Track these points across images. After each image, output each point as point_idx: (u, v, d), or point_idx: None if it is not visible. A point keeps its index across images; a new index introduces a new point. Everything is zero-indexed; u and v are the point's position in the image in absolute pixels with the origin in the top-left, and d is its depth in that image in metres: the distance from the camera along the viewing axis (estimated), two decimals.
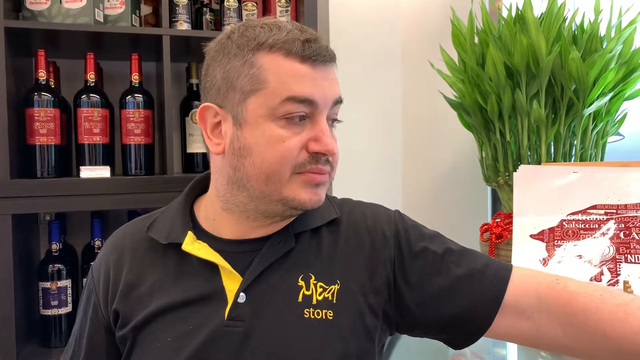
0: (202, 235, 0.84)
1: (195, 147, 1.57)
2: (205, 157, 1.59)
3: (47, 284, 1.39)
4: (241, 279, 0.79)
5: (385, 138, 1.83)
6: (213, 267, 0.80)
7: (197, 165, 1.58)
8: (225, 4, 1.50)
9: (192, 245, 0.81)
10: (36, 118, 1.33)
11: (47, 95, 1.35)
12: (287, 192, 0.77)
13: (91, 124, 1.37)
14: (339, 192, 0.97)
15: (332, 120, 0.81)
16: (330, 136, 0.77)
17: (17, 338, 1.28)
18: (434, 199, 1.79)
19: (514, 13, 1.29)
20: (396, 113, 1.83)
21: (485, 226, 1.32)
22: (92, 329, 0.87)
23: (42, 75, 1.35)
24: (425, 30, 1.79)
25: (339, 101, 0.80)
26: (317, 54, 0.75)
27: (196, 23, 1.53)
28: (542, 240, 1.15)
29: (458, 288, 0.81)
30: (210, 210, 0.85)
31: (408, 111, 1.83)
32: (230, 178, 0.79)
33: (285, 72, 0.75)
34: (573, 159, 1.30)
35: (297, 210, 0.80)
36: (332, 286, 0.80)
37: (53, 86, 1.42)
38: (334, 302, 0.79)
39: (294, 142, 0.75)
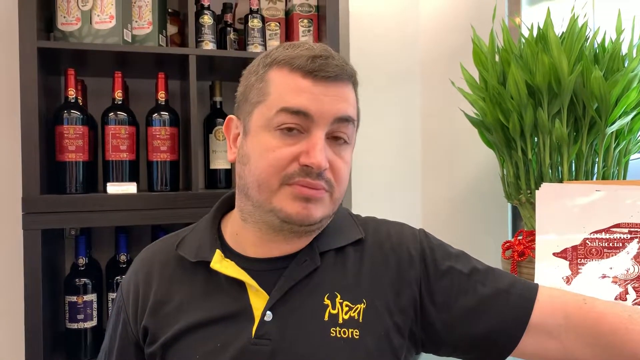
0: (229, 253, 0.85)
1: (218, 163, 1.60)
2: (227, 173, 1.62)
3: (74, 298, 1.41)
4: (268, 297, 0.80)
5: (405, 155, 1.84)
6: (240, 285, 0.82)
7: (220, 181, 1.60)
8: (250, 24, 1.53)
9: (221, 264, 0.82)
10: (65, 135, 1.37)
11: (76, 113, 1.38)
12: (276, 203, 0.77)
13: (118, 141, 1.41)
14: (357, 210, 0.98)
15: (336, 138, 0.79)
16: (320, 150, 0.75)
17: (44, 351, 1.31)
18: (454, 216, 1.80)
19: (535, 32, 1.30)
20: (415, 130, 1.84)
21: (507, 244, 1.32)
22: (122, 345, 0.88)
23: (71, 93, 1.39)
24: (444, 49, 1.81)
25: (344, 119, 0.78)
26: (321, 70, 0.76)
27: (220, 43, 1.56)
28: (565, 258, 1.14)
29: (484, 308, 0.81)
30: (235, 225, 0.87)
31: (427, 128, 1.84)
32: (239, 186, 0.83)
33: (285, 85, 0.77)
34: (595, 177, 1.30)
35: (288, 224, 0.78)
36: (358, 305, 0.80)
37: (81, 104, 1.46)
38: (360, 321, 0.79)
39: (284, 153, 0.76)
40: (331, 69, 0.77)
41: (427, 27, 1.85)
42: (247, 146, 0.80)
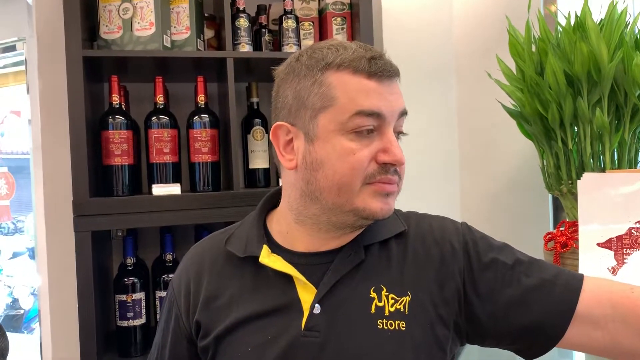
0: (276, 248, 0.88)
1: (257, 163, 1.62)
2: (266, 172, 1.64)
3: (123, 297, 1.46)
4: (315, 290, 0.82)
5: (442, 149, 1.84)
6: (288, 279, 0.84)
7: (259, 180, 1.63)
8: (284, 25, 1.56)
9: (268, 258, 0.85)
10: (111, 140, 1.42)
11: (120, 118, 1.43)
12: (359, 203, 0.80)
13: (162, 144, 1.45)
14: (397, 205, 0.99)
15: (398, 133, 0.84)
16: (398, 147, 0.80)
17: (97, 348, 1.36)
18: (494, 209, 1.79)
19: (572, 21, 1.28)
20: (452, 123, 1.84)
21: (550, 235, 1.31)
22: (175, 340, 0.92)
23: (115, 99, 1.44)
24: (479, 41, 1.80)
25: (404, 113, 0.83)
26: (382, 70, 0.79)
27: (255, 44, 1.59)
28: (609, 248, 1.13)
29: (529, 299, 0.82)
30: (283, 224, 0.89)
31: (464, 121, 1.83)
32: (303, 191, 0.83)
33: (353, 88, 0.79)
34: (639, 165, 1.28)
35: (368, 220, 0.83)
36: (404, 297, 0.82)
37: (124, 109, 1.51)
38: (406, 313, 0.81)
39: (364, 154, 0.79)
40: (390, 68, 0.80)
41: (460, 19, 1.84)
42: (317, 152, 0.80)
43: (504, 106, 1.43)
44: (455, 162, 1.85)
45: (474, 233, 0.88)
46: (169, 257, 1.53)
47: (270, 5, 1.69)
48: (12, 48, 2.93)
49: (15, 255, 4.27)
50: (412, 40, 1.81)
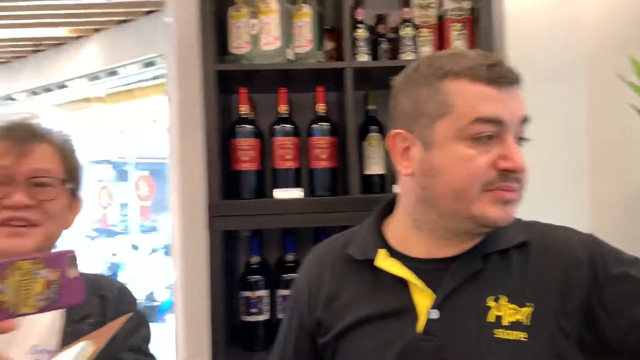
0: (392, 252, 0.90)
1: (372, 169, 1.65)
2: (381, 178, 1.67)
3: (248, 293, 1.56)
4: (433, 295, 0.83)
5: (569, 156, 1.74)
6: (403, 284, 0.86)
7: (374, 185, 1.66)
8: (402, 32, 1.57)
9: (385, 262, 0.87)
10: (239, 147, 1.53)
11: (248, 128, 1.55)
12: (477, 210, 0.80)
13: (284, 151, 1.54)
14: (519, 214, 0.97)
15: (519, 139, 0.83)
16: (518, 153, 0.79)
17: (225, 341, 1.47)
18: (629, 220, 1.66)
19: None
20: (580, 129, 1.74)
21: None
22: (298, 336, 0.97)
23: (244, 110, 1.56)
24: (611, 40, 1.69)
25: (525, 119, 0.82)
26: (501, 76, 0.79)
27: (373, 53, 1.62)
28: None
29: None
30: (398, 229, 0.92)
31: (595, 127, 1.72)
32: (420, 197, 0.85)
33: (472, 95, 0.79)
34: None
35: (486, 228, 0.83)
36: (525, 308, 0.81)
37: (251, 119, 1.61)
38: (528, 324, 0.80)
39: (483, 160, 0.79)
40: (510, 75, 0.80)
41: (590, 17, 1.74)
42: (435, 159, 0.81)
43: (638, 110, 1.34)
44: (583, 169, 1.74)
45: (601, 245, 0.85)
46: (290, 257, 1.61)
47: (388, 14, 1.72)
48: (151, 63, 3.28)
49: (153, 251, 4.72)
50: (537, 41, 1.74)
